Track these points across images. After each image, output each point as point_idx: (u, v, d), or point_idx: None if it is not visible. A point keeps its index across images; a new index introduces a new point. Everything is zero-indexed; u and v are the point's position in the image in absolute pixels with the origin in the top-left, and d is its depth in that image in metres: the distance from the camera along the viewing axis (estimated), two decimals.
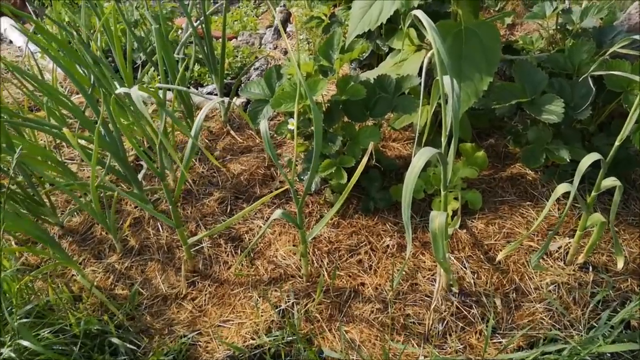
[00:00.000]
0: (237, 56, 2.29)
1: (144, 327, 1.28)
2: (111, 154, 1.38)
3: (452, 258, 1.36)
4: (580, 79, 1.35)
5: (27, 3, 1.56)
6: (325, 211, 1.53)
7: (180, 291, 1.37)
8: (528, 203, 1.49)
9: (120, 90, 0.96)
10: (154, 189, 1.63)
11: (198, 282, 1.38)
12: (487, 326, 1.20)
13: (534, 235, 1.41)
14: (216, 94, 1.94)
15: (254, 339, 1.22)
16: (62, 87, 2.23)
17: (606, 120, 1.50)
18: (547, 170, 1.54)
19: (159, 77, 1.86)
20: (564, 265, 1.34)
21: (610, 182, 1.14)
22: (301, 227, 1.20)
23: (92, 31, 1.90)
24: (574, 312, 1.23)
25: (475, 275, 1.32)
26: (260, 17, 2.88)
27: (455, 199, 1.45)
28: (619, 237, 1.38)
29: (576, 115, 1.37)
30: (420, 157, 0.91)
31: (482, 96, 1.26)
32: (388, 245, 1.42)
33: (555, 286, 1.29)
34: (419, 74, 1.46)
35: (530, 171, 1.58)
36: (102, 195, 1.51)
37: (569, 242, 1.36)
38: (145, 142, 1.72)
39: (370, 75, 1.53)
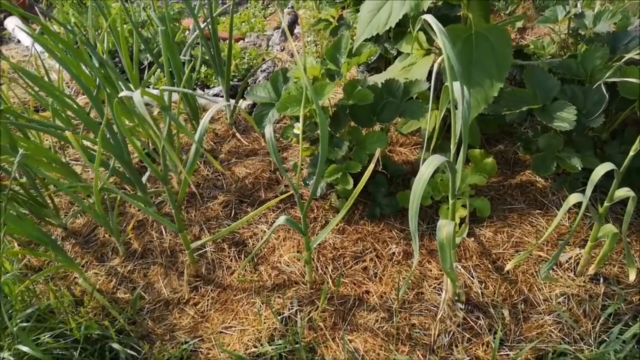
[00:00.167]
0: (244, 58, 2.27)
1: (145, 333, 1.27)
2: (115, 156, 1.37)
3: (460, 267, 1.33)
4: (594, 86, 1.32)
5: (34, 3, 1.55)
6: (331, 216, 1.51)
7: (183, 296, 1.35)
8: (538, 211, 1.46)
9: (123, 93, 0.95)
10: (159, 191, 1.61)
11: (201, 287, 1.37)
12: (494, 338, 1.17)
13: (544, 244, 1.38)
14: (222, 96, 1.93)
15: (256, 347, 1.20)
16: (68, 87, 2.23)
17: (619, 127, 1.47)
18: (557, 178, 1.51)
19: (165, 78, 1.85)
20: (574, 276, 1.30)
21: (624, 192, 1.11)
22: (305, 234, 1.18)
23: (98, 32, 1.89)
24: (584, 325, 1.20)
25: (483, 285, 1.30)
26: (268, 19, 2.87)
27: (463, 206, 1.42)
28: (631, 248, 1.34)
29: (588, 122, 1.34)
30: (429, 166, 0.89)
31: (492, 102, 1.24)
32: (394, 253, 1.40)
33: (565, 298, 1.25)
34: (428, 79, 1.43)
35: (540, 179, 1.55)
36: (105, 197, 1.49)
37: (580, 253, 1.33)
38: (150, 144, 1.71)
39: (378, 79, 1.50)
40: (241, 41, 2.57)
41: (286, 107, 1.34)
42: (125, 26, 2.15)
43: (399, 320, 1.24)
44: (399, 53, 1.72)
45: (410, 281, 1.32)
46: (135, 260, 1.45)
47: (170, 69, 1.56)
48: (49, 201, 1.50)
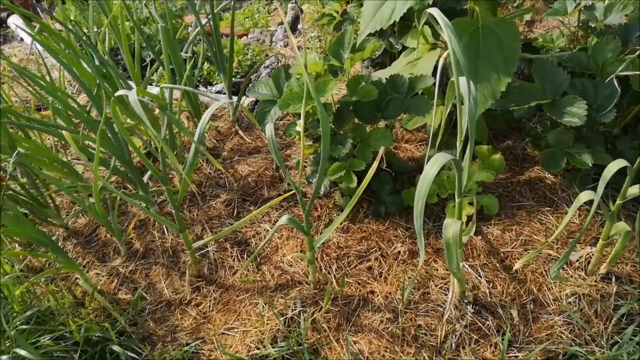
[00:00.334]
0: (247, 54, 2.24)
1: (146, 334, 1.25)
2: (115, 156, 1.35)
3: (467, 266, 1.30)
4: (606, 80, 1.28)
5: (34, 2, 1.53)
6: (335, 215, 1.48)
7: (185, 297, 1.33)
8: (547, 209, 1.43)
9: (119, 92, 0.93)
10: (161, 190, 1.59)
11: (203, 288, 1.35)
12: (502, 339, 1.14)
13: (554, 243, 1.34)
14: (225, 93, 1.90)
15: (258, 349, 1.18)
16: (71, 85, 2.21)
17: (631, 122, 1.43)
18: (567, 175, 1.47)
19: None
20: (585, 275, 1.27)
21: (637, 189, 1.07)
22: (308, 234, 1.16)
23: (99, 30, 1.87)
24: (595, 326, 1.17)
25: (491, 285, 1.26)
26: (272, 14, 2.84)
27: (470, 203, 1.39)
28: None
29: (600, 117, 1.30)
30: (433, 165, 0.86)
31: (499, 97, 1.20)
32: (399, 252, 1.37)
33: (575, 298, 1.22)
34: (434, 74, 1.40)
35: (549, 175, 1.51)
36: (106, 197, 1.48)
37: (591, 251, 1.29)
38: (152, 142, 1.69)
39: (383, 74, 1.47)
40: (244, 37, 2.54)
41: (288, 104, 1.31)
42: (127, 23, 2.13)
43: (405, 321, 1.21)
44: (404, 48, 1.69)
45: (416, 281, 1.29)
46: (137, 260, 1.43)
47: (172, 67, 1.53)
48: (50, 201, 1.48)
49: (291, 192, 1.31)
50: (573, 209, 1.06)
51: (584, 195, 1.05)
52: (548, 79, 1.34)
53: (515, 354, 1.14)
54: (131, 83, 1.60)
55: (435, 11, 0.84)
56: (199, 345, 1.22)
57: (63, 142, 1.76)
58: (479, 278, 1.27)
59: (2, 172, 1.32)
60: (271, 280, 1.34)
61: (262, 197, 1.57)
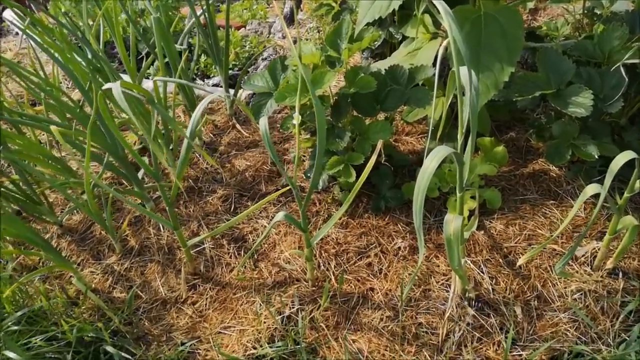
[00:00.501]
0: (245, 46, 2.21)
1: (141, 334, 1.22)
2: (108, 152, 1.32)
3: (469, 262, 1.27)
4: (612, 68, 1.24)
5: None
6: (334, 210, 1.45)
7: (180, 295, 1.30)
8: (551, 202, 1.39)
9: (106, 86, 0.89)
10: (156, 186, 1.56)
11: (199, 285, 1.32)
12: (506, 337, 1.11)
13: (558, 237, 1.31)
14: (222, 86, 1.87)
15: (255, 348, 1.15)
16: (66, 80, 2.18)
17: (638, 112, 1.38)
18: (572, 167, 1.43)
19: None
20: (591, 270, 1.23)
21: None
22: (305, 231, 1.12)
23: (93, 22, 1.83)
24: (602, 324, 1.13)
25: (494, 281, 1.23)
26: (270, 5, 2.79)
27: (472, 197, 1.35)
28: None
29: (606, 107, 1.26)
30: (434, 158, 0.82)
31: (502, 87, 1.16)
32: (399, 248, 1.33)
33: (581, 294, 1.18)
34: (434, 64, 1.36)
35: (554, 168, 1.47)
36: (100, 193, 1.45)
37: (597, 246, 1.25)
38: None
39: (382, 65, 1.43)
40: (242, 29, 2.50)
41: (284, 96, 1.27)
42: (123, 16, 2.10)
43: (405, 319, 1.18)
44: (404, 38, 1.64)
45: (416, 278, 1.25)
46: (132, 257, 1.40)
47: (167, 60, 1.50)
48: (43, 198, 1.45)
49: (289, 187, 1.27)
50: (579, 202, 1.03)
51: (590, 189, 1.01)
52: (552, 68, 1.30)
53: (519, 353, 1.11)
54: (126, 77, 1.57)
55: None
56: (194, 345, 1.19)
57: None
58: (482, 274, 1.24)
59: None
60: (268, 277, 1.31)
61: (260, 192, 1.54)
